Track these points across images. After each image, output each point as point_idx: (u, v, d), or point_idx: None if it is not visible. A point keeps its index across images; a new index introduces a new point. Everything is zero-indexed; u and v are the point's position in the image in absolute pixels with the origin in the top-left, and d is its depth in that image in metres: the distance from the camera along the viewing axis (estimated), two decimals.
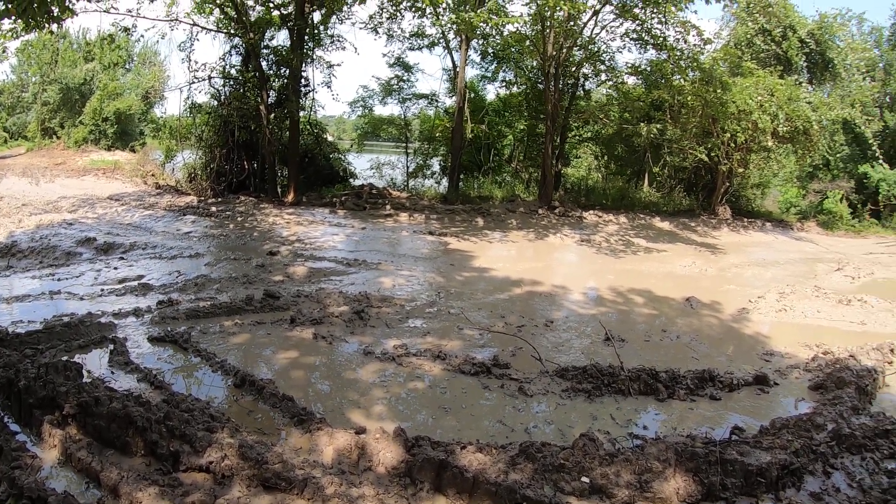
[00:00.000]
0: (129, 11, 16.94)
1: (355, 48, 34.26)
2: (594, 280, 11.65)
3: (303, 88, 20.01)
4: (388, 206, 18.32)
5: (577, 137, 25.60)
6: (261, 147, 19.20)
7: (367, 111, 24.22)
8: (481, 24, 16.43)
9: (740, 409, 5.99)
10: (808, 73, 24.14)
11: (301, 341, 6.96)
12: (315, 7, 18.60)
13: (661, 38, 18.51)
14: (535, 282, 10.82)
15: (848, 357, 7.62)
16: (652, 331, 8.44)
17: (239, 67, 19.59)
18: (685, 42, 18.46)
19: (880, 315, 10.71)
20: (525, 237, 15.93)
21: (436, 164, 24.57)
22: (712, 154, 20.49)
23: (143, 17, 17.27)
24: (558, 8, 15.92)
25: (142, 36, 31.70)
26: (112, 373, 5.71)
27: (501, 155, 25.09)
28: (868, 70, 30.15)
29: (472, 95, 23.21)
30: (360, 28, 20.87)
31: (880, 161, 29.19)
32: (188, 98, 19.60)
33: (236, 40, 19.15)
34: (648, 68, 20.04)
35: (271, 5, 18.52)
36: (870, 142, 28.19)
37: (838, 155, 32.68)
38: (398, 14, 20.24)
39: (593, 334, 8.01)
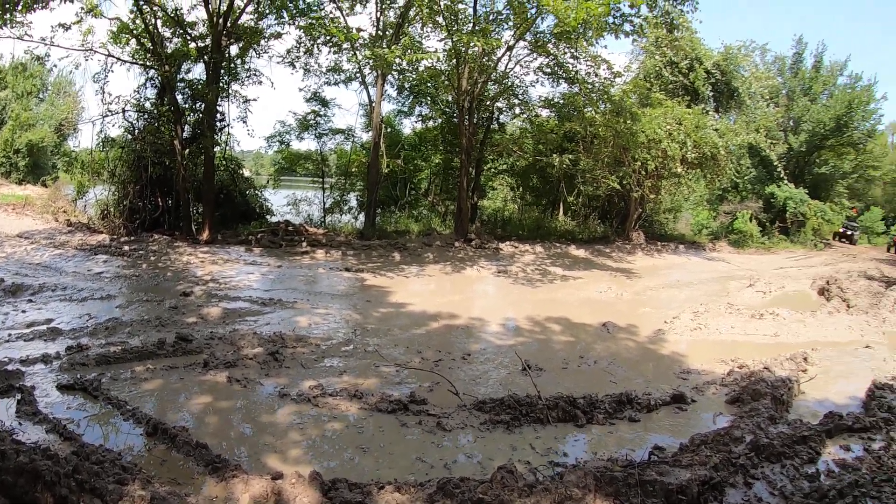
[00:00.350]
0: (43, 39, 16.19)
1: (272, 83, 33.83)
2: (512, 310, 11.58)
3: (218, 123, 19.42)
4: (304, 244, 17.84)
5: (493, 170, 25.96)
6: (175, 183, 18.44)
7: (283, 146, 23.71)
8: (396, 59, 16.47)
9: (659, 428, 5.99)
10: (715, 101, 25.38)
11: (215, 385, 6.58)
12: (232, 40, 18.23)
13: (573, 73, 19.07)
14: (452, 315, 10.67)
15: (763, 369, 7.83)
16: (570, 358, 8.41)
17: (154, 101, 18.83)
18: (596, 75, 19.09)
19: (792, 326, 11.15)
20: (442, 271, 15.78)
21: (353, 199, 24.28)
22: (624, 182, 21.10)
23: (58, 46, 16.48)
24: (472, 44, 16.16)
25: (55, 65, 30.21)
26: (20, 424, 5.28)
27: (418, 189, 25.19)
28: (772, 97, 32.30)
29: (389, 130, 23.24)
30: (277, 62, 20.56)
31: (784, 181, 31.15)
32: (101, 131, 18.73)
33: (152, 72, 18.40)
34: (561, 101, 20.58)
35: (188, 37, 18.02)
36: (775, 164, 29.98)
37: (746, 177, 34.72)
38: (315, 49, 20.09)
39: (511, 365, 7.88)
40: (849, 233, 40.87)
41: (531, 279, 15.01)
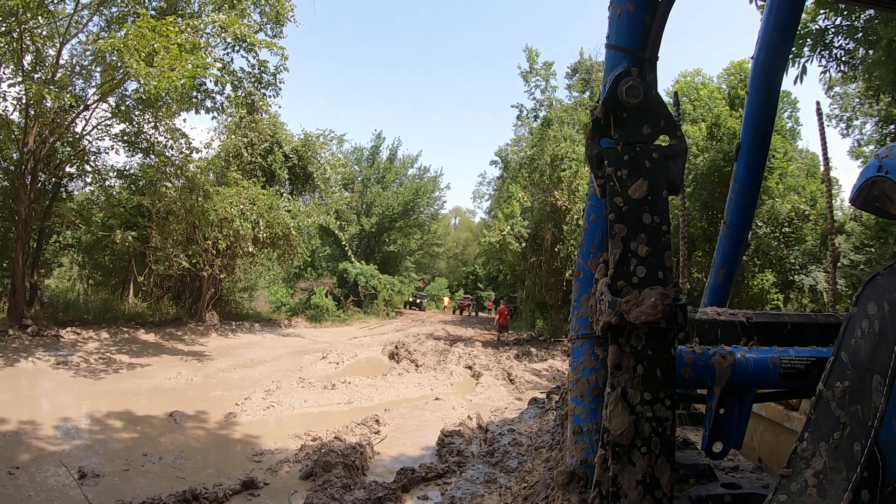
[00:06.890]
0: None
1: None
2: (70, 409, 9.79)
3: None
4: None
5: (58, 243, 22.38)
6: None
7: None
8: None
9: None
10: (290, 184, 26.49)
11: None
12: None
13: (151, 143, 17.85)
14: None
15: (333, 439, 8.08)
16: (132, 457, 7.36)
17: None
18: (173, 149, 18.21)
19: (364, 391, 11.98)
20: None
21: None
22: (194, 261, 20.20)
23: None
24: (46, 96, 13.83)
25: None
26: None
27: None
28: (346, 183, 35.66)
29: None
30: None
31: (351, 259, 34.74)
32: None
33: None
34: (137, 173, 19.02)
35: None
36: (343, 243, 33.16)
37: (321, 255, 37.46)
38: None
39: (65, 476, 6.53)
40: (418, 301, 47.94)
41: (94, 370, 13.01)
